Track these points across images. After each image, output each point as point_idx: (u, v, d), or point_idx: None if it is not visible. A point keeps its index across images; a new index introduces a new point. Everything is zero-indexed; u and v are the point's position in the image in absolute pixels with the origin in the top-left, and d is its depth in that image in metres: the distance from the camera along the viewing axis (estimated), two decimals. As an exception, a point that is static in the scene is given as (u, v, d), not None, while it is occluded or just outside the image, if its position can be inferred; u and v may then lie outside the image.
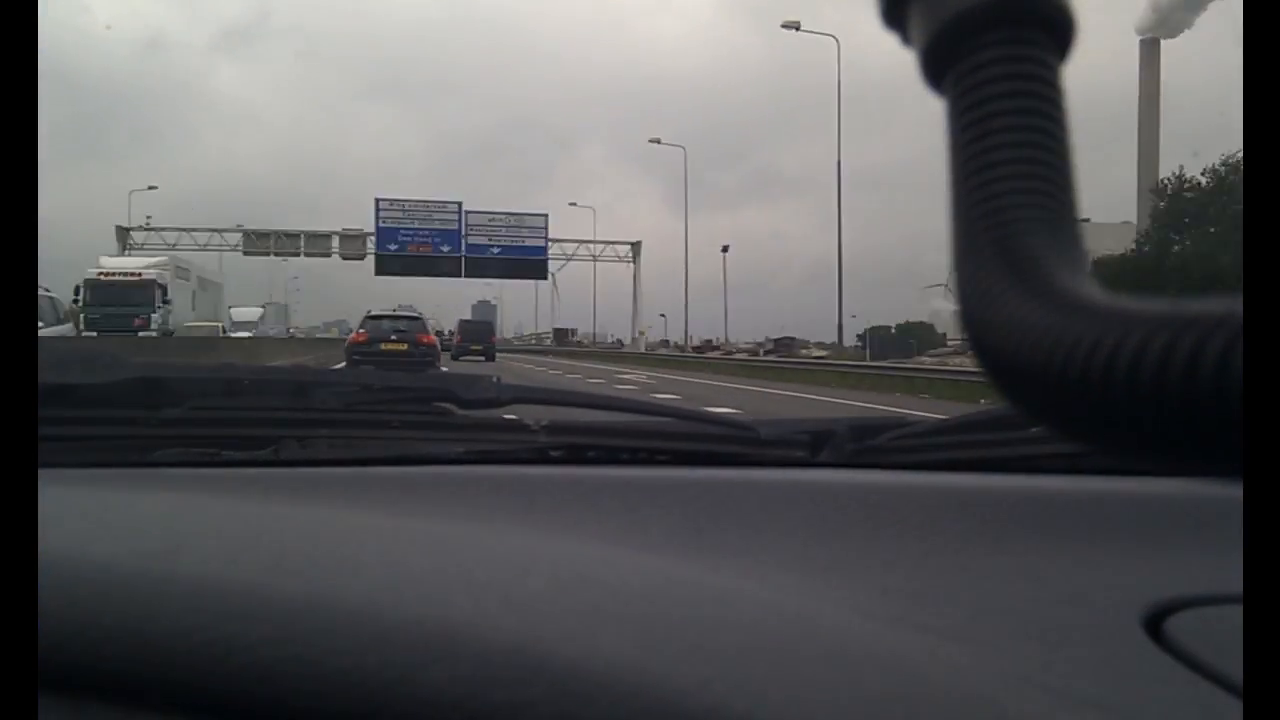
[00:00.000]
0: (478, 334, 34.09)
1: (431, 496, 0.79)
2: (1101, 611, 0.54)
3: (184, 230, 52.19)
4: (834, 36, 34.89)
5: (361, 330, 18.69)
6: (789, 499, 0.79)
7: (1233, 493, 0.23)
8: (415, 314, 21.50)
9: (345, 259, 53.14)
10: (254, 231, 53.46)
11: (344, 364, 16.92)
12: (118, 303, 30.22)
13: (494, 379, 1.07)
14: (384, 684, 0.36)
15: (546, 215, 55.94)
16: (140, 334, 27.51)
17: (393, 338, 17.57)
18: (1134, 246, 33.55)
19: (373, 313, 19.79)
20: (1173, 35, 57.12)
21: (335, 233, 52.96)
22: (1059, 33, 0.27)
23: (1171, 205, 32.33)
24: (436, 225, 52.63)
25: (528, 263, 54.82)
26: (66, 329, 21.09)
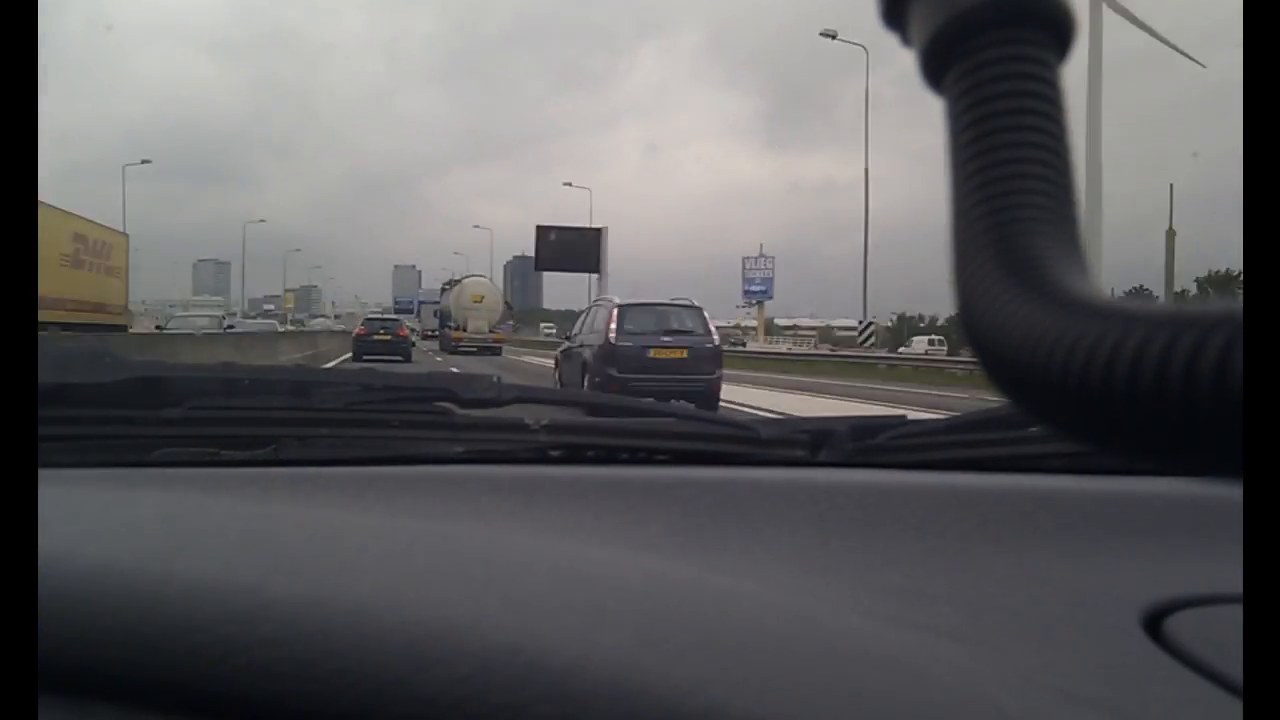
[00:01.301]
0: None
1: (431, 496, 0.79)
2: (1101, 611, 0.54)
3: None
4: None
5: (362, 327, 27.84)
6: (789, 499, 0.79)
7: (1233, 493, 0.23)
8: (394, 317, 32.50)
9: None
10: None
11: (350, 354, 24.56)
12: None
13: (494, 378, 1.07)
14: (384, 684, 0.36)
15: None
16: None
17: (381, 331, 26.11)
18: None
19: (369, 316, 32.47)
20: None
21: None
22: (1059, 32, 0.27)
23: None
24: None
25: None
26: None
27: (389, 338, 24.99)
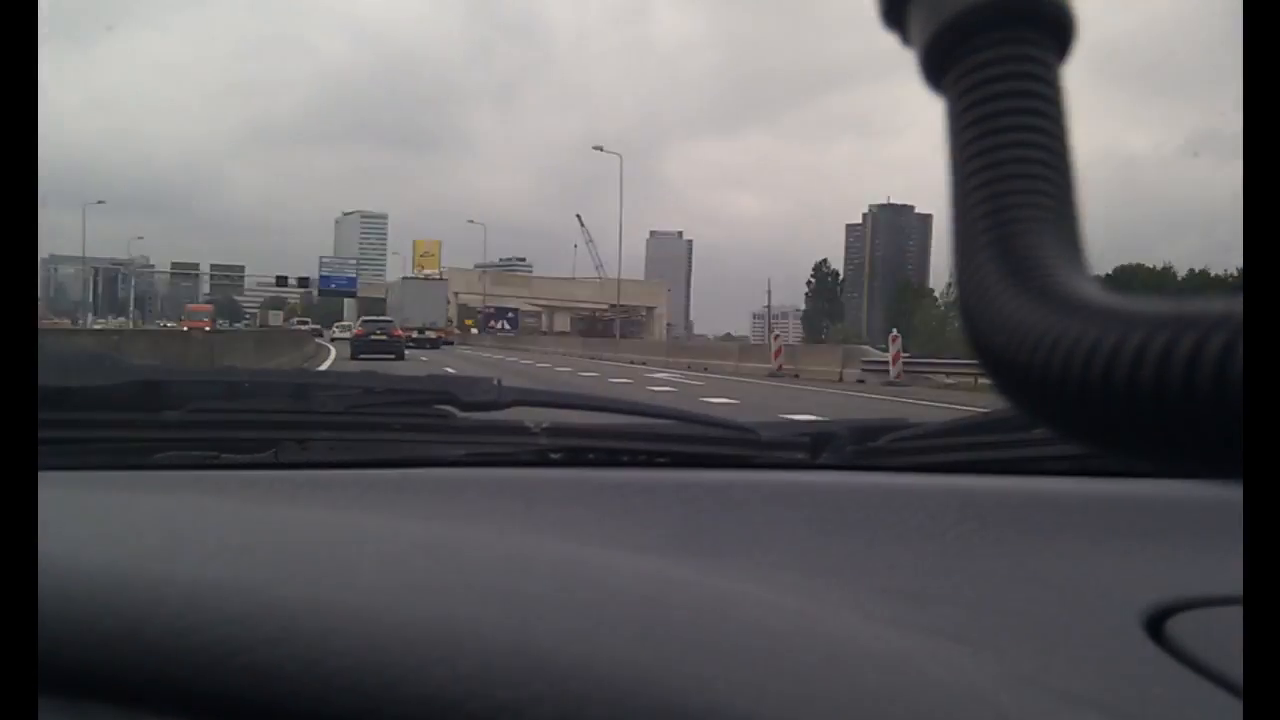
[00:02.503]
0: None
1: (432, 499, 0.79)
2: (1101, 611, 0.54)
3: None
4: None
5: (360, 328, 31.70)
6: (789, 501, 0.79)
7: (1233, 493, 0.23)
8: (389, 319, 34.91)
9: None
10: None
11: (349, 352, 26.85)
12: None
13: (495, 381, 1.07)
14: (384, 685, 0.36)
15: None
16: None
17: (377, 332, 29.35)
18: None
19: (364, 319, 34.58)
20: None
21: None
22: (1059, 32, 0.27)
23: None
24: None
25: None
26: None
27: (384, 337, 28.74)
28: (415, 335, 36.07)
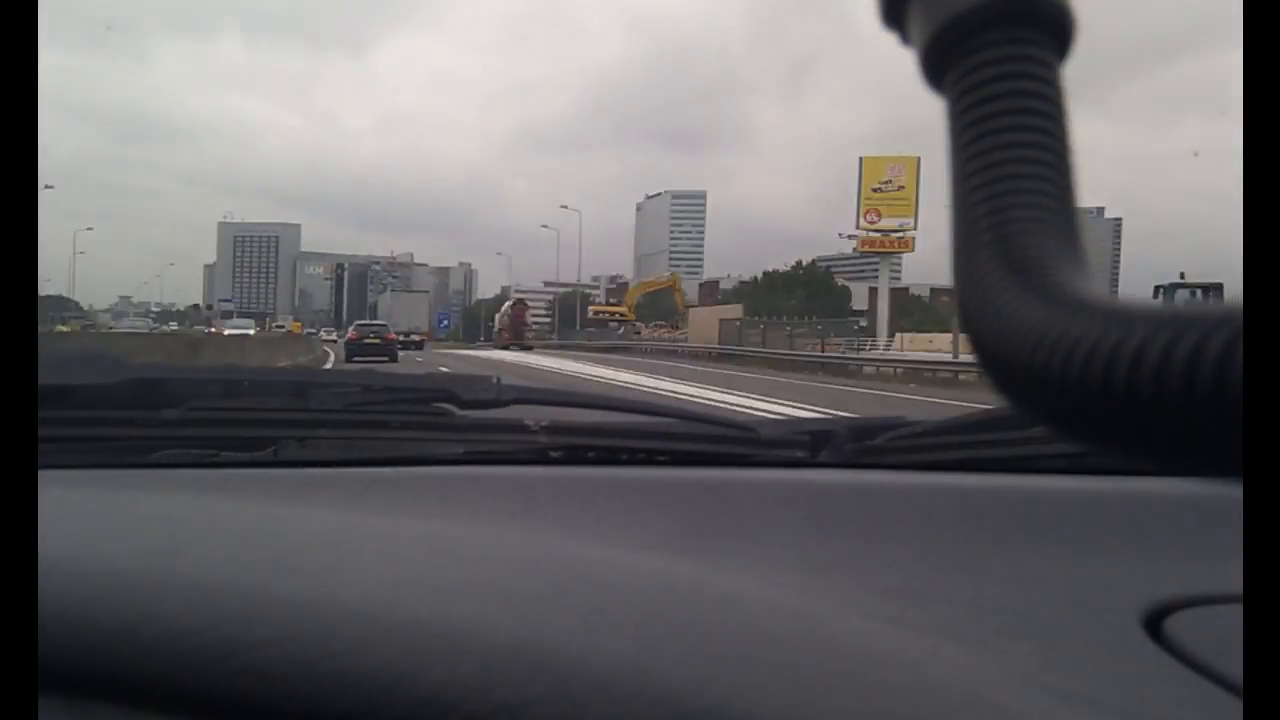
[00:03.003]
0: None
1: (431, 497, 0.79)
2: (1101, 611, 0.54)
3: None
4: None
5: (354, 332, 32.43)
6: (789, 499, 0.79)
7: (1233, 493, 0.23)
8: (382, 323, 36.23)
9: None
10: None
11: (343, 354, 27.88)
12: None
13: (494, 379, 1.07)
14: (384, 684, 0.36)
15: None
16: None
17: (371, 336, 30.15)
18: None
19: (359, 323, 35.85)
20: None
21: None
22: (1059, 32, 0.27)
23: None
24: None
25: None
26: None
27: (378, 341, 29.54)
28: (403, 338, 40.27)
